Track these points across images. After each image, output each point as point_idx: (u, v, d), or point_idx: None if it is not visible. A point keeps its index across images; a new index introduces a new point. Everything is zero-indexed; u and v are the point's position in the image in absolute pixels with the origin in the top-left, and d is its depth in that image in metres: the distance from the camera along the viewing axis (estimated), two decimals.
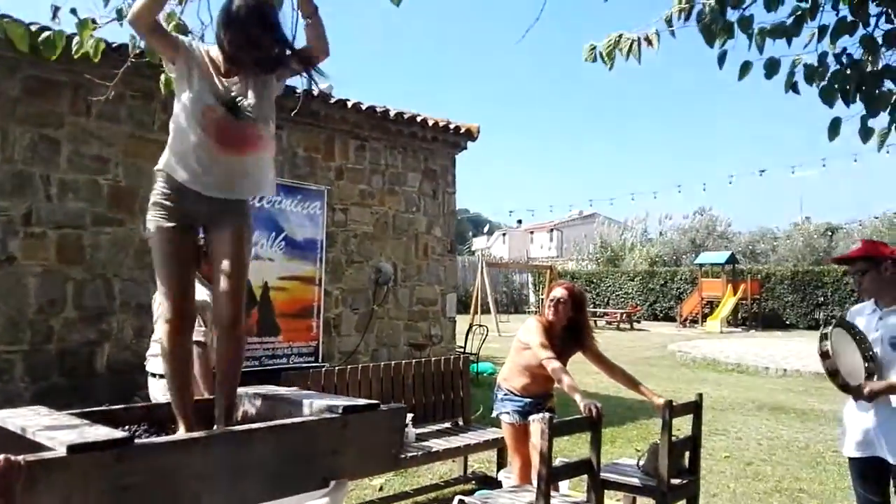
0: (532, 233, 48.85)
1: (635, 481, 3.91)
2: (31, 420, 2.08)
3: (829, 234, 28.25)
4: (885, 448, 2.99)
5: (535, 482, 4.07)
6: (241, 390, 2.78)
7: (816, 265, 24.09)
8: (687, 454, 4.06)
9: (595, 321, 23.12)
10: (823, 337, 3.03)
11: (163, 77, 3.85)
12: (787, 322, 22.33)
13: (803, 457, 6.13)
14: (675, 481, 3.81)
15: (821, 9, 3.10)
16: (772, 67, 3.13)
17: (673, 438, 3.75)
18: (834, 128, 3.06)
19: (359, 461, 2.43)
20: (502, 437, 4.99)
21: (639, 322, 23.69)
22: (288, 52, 2.29)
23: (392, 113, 7.62)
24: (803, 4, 3.09)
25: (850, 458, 3.17)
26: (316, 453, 2.28)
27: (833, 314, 21.14)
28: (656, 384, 10.46)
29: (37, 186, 5.15)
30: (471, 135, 8.55)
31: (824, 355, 2.99)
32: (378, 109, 7.47)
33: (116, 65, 3.53)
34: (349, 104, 7.16)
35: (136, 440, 1.94)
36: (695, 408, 4.07)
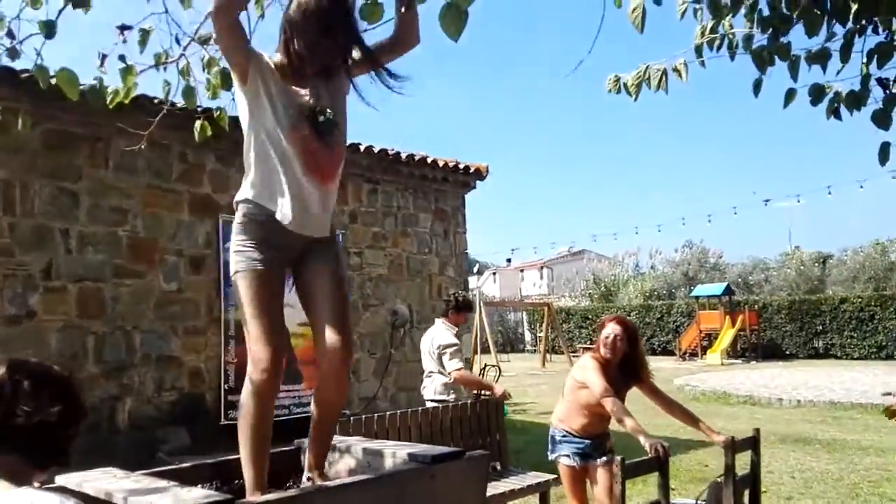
0: (522, 271, 48.94)
1: None
2: (111, 483, 1.95)
3: (822, 262, 28.49)
4: None
5: None
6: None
7: (812, 294, 24.23)
8: (746, 492, 3.95)
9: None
10: None
11: (198, 124, 3.80)
12: (787, 352, 22.31)
13: (841, 489, 6.00)
14: None
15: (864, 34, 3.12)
16: (817, 94, 3.12)
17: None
18: (884, 152, 3.04)
19: None
20: (545, 482, 4.86)
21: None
22: (362, 49, 2.07)
23: (403, 155, 7.61)
24: (838, 29, 3.09)
25: None
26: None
27: (832, 342, 21.21)
28: (672, 420, 10.35)
29: (56, 240, 5.04)
30: (480, 174, 8.56)
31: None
32: (390, 152, 7.46)
33: (137, 115, 3.47)
34: (361, 147, 7.14)
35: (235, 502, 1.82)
36: (753, 443, 3.96)
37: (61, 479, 1.99)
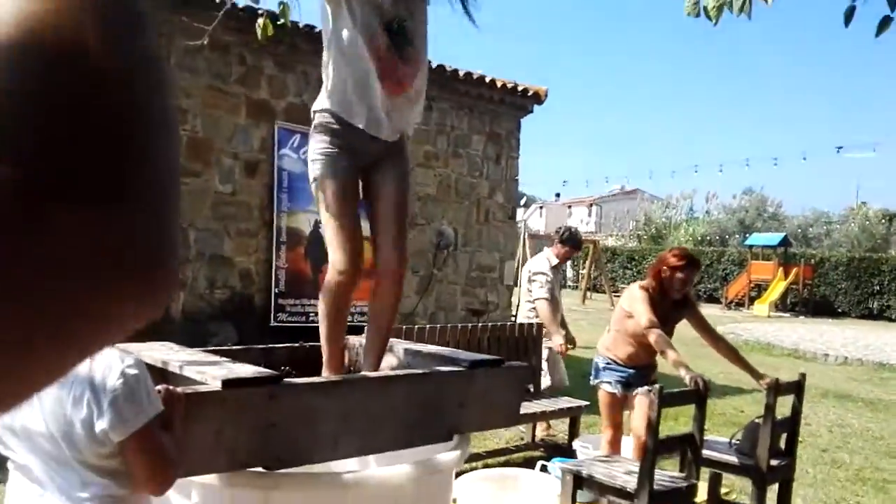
0: (570, 207, 48.38)
1: (733, 460, 3.82)
2: (169, 355, 2.07)
3: (888, 220, 27.41)
4: None
5: (625, 453, 4.03)
6: (354, 339, 2.76)
7: (874, 252, 23.44)
8: (783, 436, 3.96)
9: None
10: None
11: (260, 21, 3.79)
12: (840, 310, 21.82)
13: (880, 447, 5.97)
14: (773, 462, 3.72)
15: None
16: None
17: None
18: None
19: (482, 416, 2.39)
20: (577, 407, 4.96)
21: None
22: None
23: (461, 73, 7.49)
24: None
25: None
26: (444, 405, 2.24)
27: (888, 304, 20.63)
28: (711, 365, 10.32)
29: None
30: (538, 98, 8.38)
31: None
32: (447, 68, 7.34)
33: (200, 13, 3.47)
34: None
35: (285, 379, 1.91)
36: (797, 388, 3.96)
37: (119, 347, 2.12)
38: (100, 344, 0.27)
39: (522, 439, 5.31)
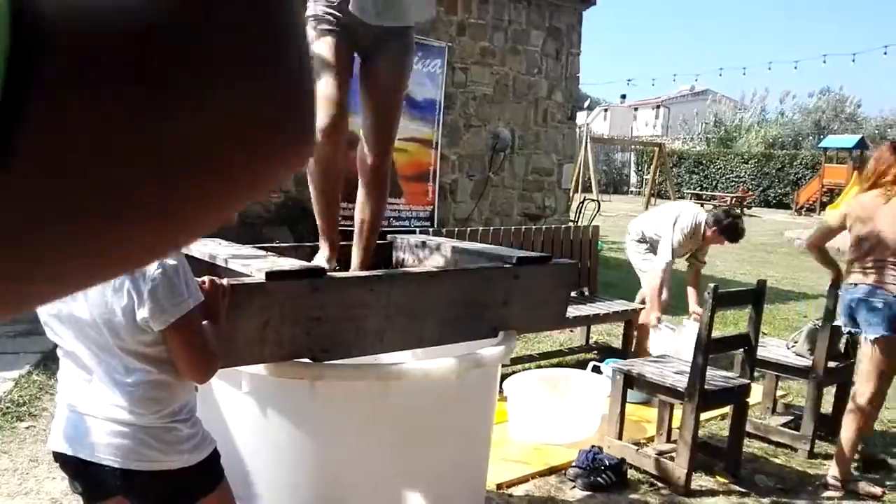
0: (636, 109, 46.64)
1: (790, 361, 3.75)
2: (217, 249, 2.10)
3: None
4: None
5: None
6: (402, 238, 2.76)
7: None
8: (843, 339, 3.84)
9: (702, 204, 22.26)
10: None
11: None
12: None
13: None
14: (832, 364, 3.63)
15: None
16: None
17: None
18: None
19: (528, 314, 2.37)
20: (631, 310, 4.90)
21: (749, 208, 22.61)
22: None
23: None
24: None
25: None
26: (488, 302, 2.22)
27: None
28: (775, 271, 10.05)
29: None
30: None
31: None
32: None
33: None
34: None
35: (328, 273, 1.93)
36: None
37: None
38: (238, 204, 0.27)
39: (571, 341, 5.31)
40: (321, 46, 2.06)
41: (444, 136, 6.91)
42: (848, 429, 3.16)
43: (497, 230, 4.83)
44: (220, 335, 1.58)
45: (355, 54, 2.19)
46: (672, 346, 4.05)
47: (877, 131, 28.06)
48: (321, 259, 2.36)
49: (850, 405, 3.24)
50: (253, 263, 1.85)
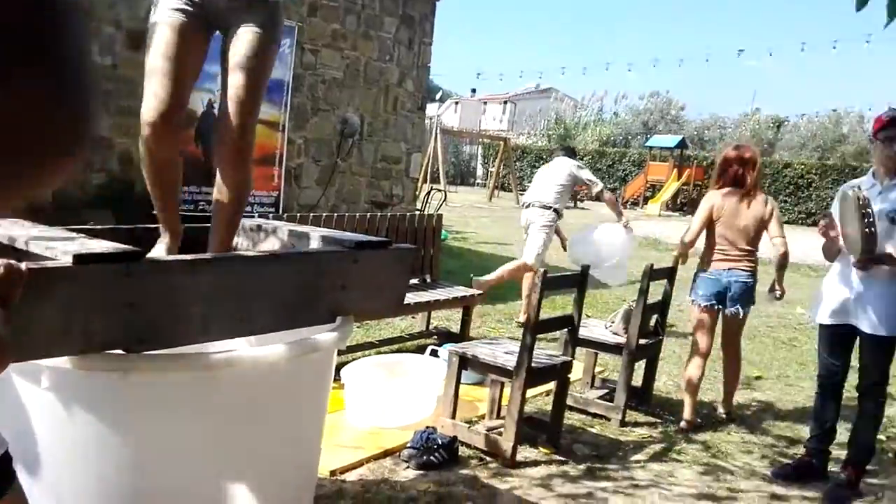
0: (486, 103, 47.93)
1: (607, 340, 4.03)
2: (17, 231, 1.90)
3: (777, 126, 28.74)
4: (860, 317, 3.11)
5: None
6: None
7: (762, 156, 24.63)
8: (654, 318, 4.20)
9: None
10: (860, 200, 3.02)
11: None
12: None
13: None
14: (643, 341, 3.95)
15: None
16: None
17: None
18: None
19: (367, 299, 2.36)
20: (470, 296, 5.05)
21: (582, 201, 24.02)
22: None
23: None
24: None
25: (822, 325, 3.31)
26: (325, 287, 2.19)
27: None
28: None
29: None
30: None
31: (828, 222, 3.01)
32: None
33: None
34: None
35: (146, 256, 1.80)
36: (669, 274, 4.16)
37: None
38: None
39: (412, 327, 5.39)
40: (163, 30, 1.93)
41: (291, 118, 6.72)
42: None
43: (341, 216, 4.78)
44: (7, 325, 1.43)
45: (217, 32, 2.06)
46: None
47: (696, 132, 30.83)
48: (160, 249, 2.21)
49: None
50: (59, 246, 1.69)
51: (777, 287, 3.98)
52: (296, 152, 6.92)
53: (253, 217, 4.55)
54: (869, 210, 2.95)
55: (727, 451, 3.57)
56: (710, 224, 3.90)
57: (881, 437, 3.40)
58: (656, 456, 3.44)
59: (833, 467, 3.33)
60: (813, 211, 20.91)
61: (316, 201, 7.15)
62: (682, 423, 3.84)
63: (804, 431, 3.62)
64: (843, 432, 3.40)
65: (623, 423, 3.77)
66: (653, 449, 3.52)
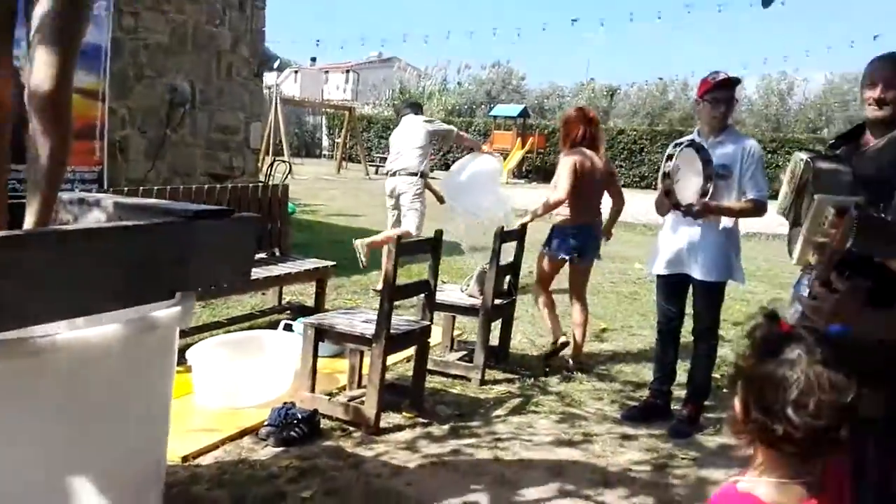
0: (327, 72, 47.00)
1: (463, 302, 4.14)
2: None
3: (610, 95, 30.64)
4: (692, 266, 3.41)
5: None
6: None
7: None
8: (507, 279, 4.36)
9: (378, 167, 23.41)
10: (669, 158, 3.26)
11: None
12: None
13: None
14: (498, 302, 4.10)
15: None
16: None
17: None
18: None
19: (209, 272, 2.25)
20: (323, 268, 4.97)
21: (432, 171, 24.34)
22: None
23: None
24: None
25: (659, 275, 3.59)
26: (161, 261, 2.04)
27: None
28: (451, 227, 11.02)
29: None
30: None
31: (665, 175, 3.24)
32: None
33: None
34: None
35: None
36: (519, 236, 4.33)
37: None
38: None
39: (263, 304, 5.24)
40: None
41: (112, 87, 6.18)
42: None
43: (176, 188, 4.50)
44: None
45: None
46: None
47: (536, 102, 32.14)
48: None
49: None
50: None
51: (609, 233, 4.43)
52: (119, 123, 6.40)
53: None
54: (710, 160, 3.25)
55: (580, 399, 3.81)
56: (574, 182, 4.09)
57: (715, 375, 3.76)
58: (515, 409, 3.60)
59: (675, 406, 3.65)
60: (646, 174, 22.63)
61: (145, 175, 6.67)
62: (562, 340, 4.29)
63: (648, 375, 3.93)
64: (682, 374, 3.74)
65: (483, 382, 3.91)
66: (512, 403, 3.68)
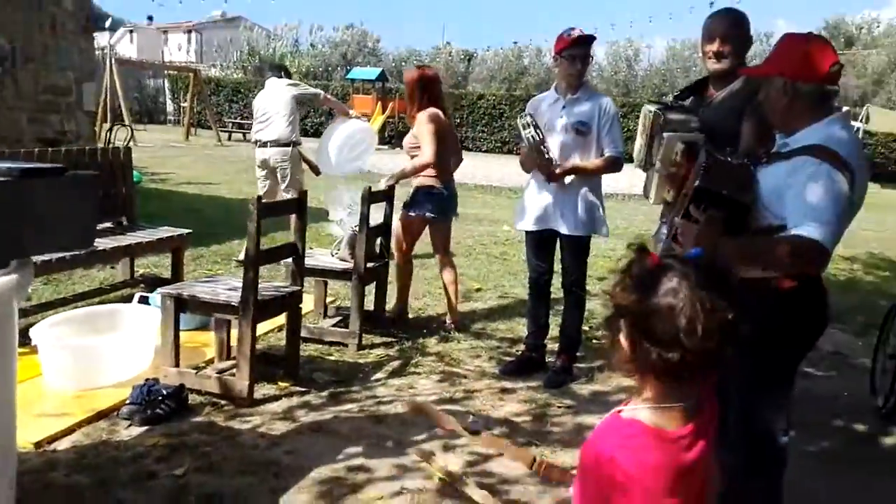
0: (166, 32, 44.07)
1: (335, 267, 4.05)
2: None
3: (467, 60, 31.02)
4: (559, 221, 3.53)
5: None
6: None
7: (456, 88, 26.45)
8: (378, 241, 4.31)
9: (244, 135, 22.47)
10: (525, 126, 3.36)
11: None
12: None
13: (459, 249, 6.98)
14: (370, 265, 4.05)
15: None
16: None
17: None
18: None
19: (45, 236, 2.04)
20: (178, 235, 4.67)
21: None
22: None
23: None
24: None
25: (527, 232, 3.69)
26: None
27: (467, 135, 23.80)
28: (312, 193, 10.76)
29: None
30: None
31: (535, 133, 3.35)
32: None
33: None
34: None
35: None
36: (387, 197, 4.28)
37: None
38: None
39: (113, 278, 4.87)
40: None
41: None
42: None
43: (0, 152, 4.05)
44: None
45: None
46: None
47: (394, 65, 31.91)
48: None
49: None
50: None
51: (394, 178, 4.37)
52: None
53: None
54: (534, 140, 3.38)
55: (459, 358, 3.87)
56: (438, 142, 4.10)
57: (585, 327, 3.94)
58: (396, 372, 3.59)
59: (550, 358, 3.79)
60: (507, 139, 23.18)
61: None
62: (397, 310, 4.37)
63: (522, 331, 4.05)
64: (554, 328, 3.88)
65: (360, 347, 3.86)
66: (392, 366, 3.67)
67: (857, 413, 3.46)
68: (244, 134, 22.91)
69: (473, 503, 2.39)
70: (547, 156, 3.43)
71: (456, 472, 2.57)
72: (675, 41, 30.05)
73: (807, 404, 3.21)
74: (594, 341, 4.22)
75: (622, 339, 1.11)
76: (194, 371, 3.15)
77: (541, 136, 3.43)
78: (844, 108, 2.33)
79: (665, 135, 2.31)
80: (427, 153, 4.12)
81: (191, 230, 4.77)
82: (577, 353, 3.81)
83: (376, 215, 4.15)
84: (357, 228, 4.01)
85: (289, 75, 6.14)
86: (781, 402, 2.20)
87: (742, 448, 2.06)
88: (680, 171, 2.20)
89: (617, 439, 1.08)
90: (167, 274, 4.73)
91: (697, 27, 2.68)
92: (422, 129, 4.17)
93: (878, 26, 30.67)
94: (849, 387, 3.82)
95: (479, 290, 5.45)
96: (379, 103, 22.98)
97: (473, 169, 15.93)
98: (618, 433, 1.10)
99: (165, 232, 4.62)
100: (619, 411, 1.16)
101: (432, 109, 4.18)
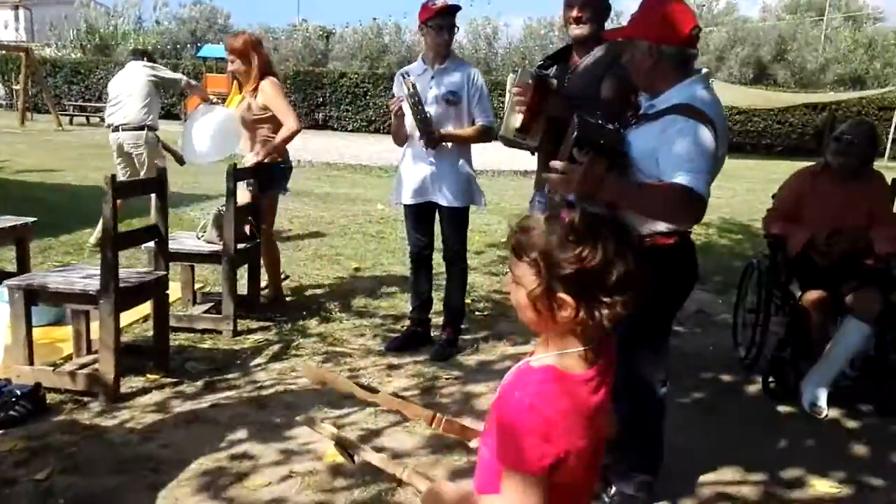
0: None
1: (202, 250, 3.86)
2: None
3: (326, 37, 30.34)
4: (438, 193, 3.54)
5: None
6: None
7: (316, 66, 25.88)
8: (248, 220, 4.15)
9: (88, 118, 20.97)
10: (404, 77, 3.32)
11: None
12: None
13: (333, 229, 6.89)
14: (241, 246, 3.89)
15: None
16: None
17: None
18: None
19: None
20: (23, 225, 4.27)
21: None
22: None
23: None
24: None
25: (407, 205, 3.67)
26: None
27: (331, 114, 23.39)
28: (177, 178, 10.22)
29: None
30: None
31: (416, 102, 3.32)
32: None
33: None
34: None
35: None
36: (254, 174, 4.11)
37: None
38: None
39: None
40: None
41: None
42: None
43: None
44: None
45: None
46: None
47: None
48: None
49: None
50: None
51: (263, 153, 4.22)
52: None
53: None
54: (417, 97, 3.33)
55: (342, 338, 3.81)
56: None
57: (468, 300, 3.99)
58: (276, 356, 3.49)
59: (435, 332, 3.81)
60: (373, 118, 23.00)
61: None
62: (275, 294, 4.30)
63: (406, 307, 4.05)
64: (438, 302, 3.90)
65: (236, 333, 3.72)
66: (271, 351, 3.56)
67: (723, 366, 3.73)
68: (87, 117, 21.32)
69: (370, 469, 2.34)
70: (426, 115, 3.38)
71: (348, 437, 2.53)
72: (530, 19, 30.84)
73: (677, 360, 3.43)
74: (476, 313, 4.29)
75: (566, 298, 1.09)
76: (51, 368, 2.91)
77: (418, 96, 3.37)
78: (704, 70, 2.49)
79: (517, 69, 2.52)
80: (291, 122, 4.06)
81: (35, 219, 4.38)
82: (462, 325, 3.86)
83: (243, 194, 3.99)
84: (224, 208, 3.83)
85: (152, 60, 5.84)
86: (660, 356, 2.34)
87: (625, 399, 2.17)
88: (527, 97, 2.42)
89: (533, 387, 1.09)
90: (12, 268, 4.32)
91: (553, 4, 2.78)
92: (274, 99, 4.11)
93: (717, 4, 32.85)
94: (714, 342, 4.12)
95: (358, 269, 5.39)
96: (235, 82, 22.08)
97: (342, 148, 15.73)
98: (533, 381, 1.11)
99: (7, 221, 4.20)
100: (527, 363, 1.17)
101: (272, 77, 4.14)
